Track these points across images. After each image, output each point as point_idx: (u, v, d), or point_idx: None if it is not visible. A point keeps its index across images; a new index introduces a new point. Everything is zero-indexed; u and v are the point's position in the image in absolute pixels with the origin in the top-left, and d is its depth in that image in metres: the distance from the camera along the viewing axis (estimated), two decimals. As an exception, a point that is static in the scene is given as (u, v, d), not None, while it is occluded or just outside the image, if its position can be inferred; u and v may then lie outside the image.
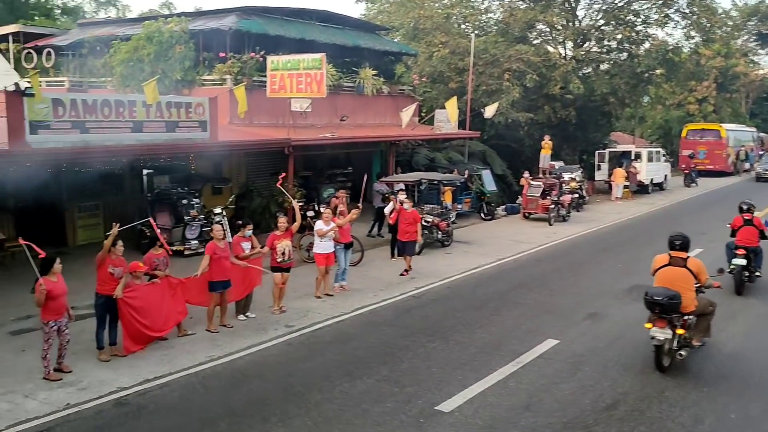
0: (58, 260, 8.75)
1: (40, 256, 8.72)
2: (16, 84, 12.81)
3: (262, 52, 18.86)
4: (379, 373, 9.13)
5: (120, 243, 9.51)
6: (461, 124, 25.38)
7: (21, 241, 8.83)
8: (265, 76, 18.06)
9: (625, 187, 28.46)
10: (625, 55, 31.30)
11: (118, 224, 9.54)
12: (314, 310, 12.06)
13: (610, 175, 29.46)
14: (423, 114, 25.75)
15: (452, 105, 23.05)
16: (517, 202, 24.70)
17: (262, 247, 11.66)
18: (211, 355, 9.77)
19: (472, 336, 10.75)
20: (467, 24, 32.49)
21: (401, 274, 14.50)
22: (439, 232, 17.51)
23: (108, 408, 7.99)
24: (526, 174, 23.74)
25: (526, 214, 22.97)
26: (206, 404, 8.13)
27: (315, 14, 22.31)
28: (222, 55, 19.00)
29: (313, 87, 17.00)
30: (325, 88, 17.09)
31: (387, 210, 16.40)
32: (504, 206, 24.98)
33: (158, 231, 10.65)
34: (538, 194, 22.43)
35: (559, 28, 32.43)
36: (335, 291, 13.13)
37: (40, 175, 15.51)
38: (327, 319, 11.55)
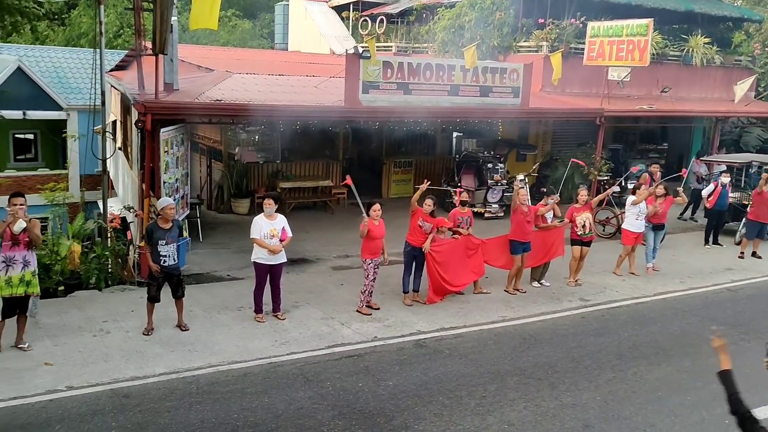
0: (376, 206, 9.62)
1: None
2: (355, 47, 14.22)
3: (582, 18, 18.27)
4: (680, 363, 8.47)
5: (428, 200, 10.07)
6: (809, 102, 21.82)
7: (348, 181, 9.68)
8: (583, 42, 17.48)
9: None
10: None
11: (428, 181, 10.19)
12: (612, 287, 11.58)
13: None
14: (761, 89, 22.63)
15: (801, 79, 19.92)
16: None
17: (561, 220, 11.57)
18: (504, 315, 10.01)
19: (799, 343, 9.34)
20: (832, -17, 27.52)
21: (739, 257, 13.95)
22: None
23: (408, 347, 8.68)
24: None
25: None
26: (496, 359, 8.36)
27: (643, -23, 20.83)
28: (541, 21, 18.86)
29: (634, 55, 16.02)
30: (648, 57, 15.98)
31: (705, 192, 14.96)
32: None
33: (459, 192, 11.12)
34: None
35: None
36: (648, 272, 12.48)
37: (366, 131, 17.23)
38: (625, 299, 11.03)
